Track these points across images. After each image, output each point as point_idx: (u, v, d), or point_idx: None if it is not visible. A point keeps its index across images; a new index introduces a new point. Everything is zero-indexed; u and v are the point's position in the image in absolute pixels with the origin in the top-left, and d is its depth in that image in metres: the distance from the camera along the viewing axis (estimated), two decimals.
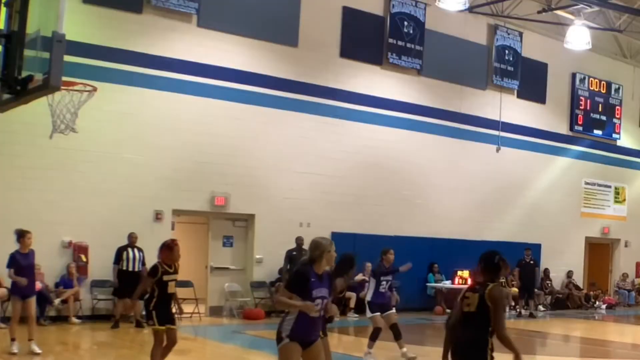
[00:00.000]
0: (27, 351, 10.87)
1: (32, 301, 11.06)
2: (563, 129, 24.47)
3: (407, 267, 12.10)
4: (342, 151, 18.83)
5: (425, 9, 20.30)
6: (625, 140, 26.48)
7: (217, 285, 17.37)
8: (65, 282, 14.93)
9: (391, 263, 12.20)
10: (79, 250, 15.14)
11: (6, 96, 6.58)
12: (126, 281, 14.74)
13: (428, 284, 20.30)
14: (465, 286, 7.80)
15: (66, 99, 11.26)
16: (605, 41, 25.15)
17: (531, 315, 20.49)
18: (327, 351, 8.06)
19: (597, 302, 24.28)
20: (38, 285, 14.17)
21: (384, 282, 11.81)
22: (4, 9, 6.67)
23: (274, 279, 17.38)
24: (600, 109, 25.41)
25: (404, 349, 11.58)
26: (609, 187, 25.99)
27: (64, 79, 6.22)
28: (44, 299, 14.29)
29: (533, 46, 23.12)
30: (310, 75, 18.43)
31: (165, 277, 9.08)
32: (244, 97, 17.27)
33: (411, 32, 20.13)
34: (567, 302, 23.58)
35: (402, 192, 20.07)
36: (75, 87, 11.32)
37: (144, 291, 9.12)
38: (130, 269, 14.92)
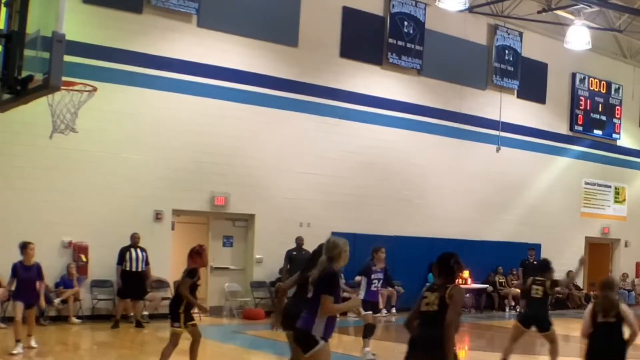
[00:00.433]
0: (35, 351, 10.99)
1: (32, 312, 11.27)
2: (563, 129, 24.47)
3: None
4: (342, 151, 18.83)
5: (425, 9, 20.30)
6: (625, 140, 26.48)
7: (217, 285, 17.38)
8: (65, 282, 14.93)
9: (382, 262, 12.25)
10: (79, 250, 15.14)
11: (6, 96, 6.58)
12: (129, 281, 14.77)
13: (428, 284, 20.27)
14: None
15: (66, 99, 11.27)
16: (605, 41, 25.14)
17: None
18: None
19: None
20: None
21: (376, 281, 11.85)
22: (4, 9, 6.66)
23: (274, 279, 17.38)
24: (600, 109, 25.41)
25: (367, 348, 11.59)
26: (609, 187, 25.99)
27: (64, 79, 6.22)
28: (44, 299, 14.27)
29: (533, 46, 23.12)
30: (310, 75, 18.43)
31: (198, 282, 9.42)
32: (244, 97, 17.27)
33: (411, 32, 20.14)
34: (567, 302, 23.58)
35: (402, 192, 20.07)
36: (75, 87, 11.33)
37: (185, 295, 9.26)
38: (134, 269, 14.92)
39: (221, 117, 16.91)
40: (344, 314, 17.42)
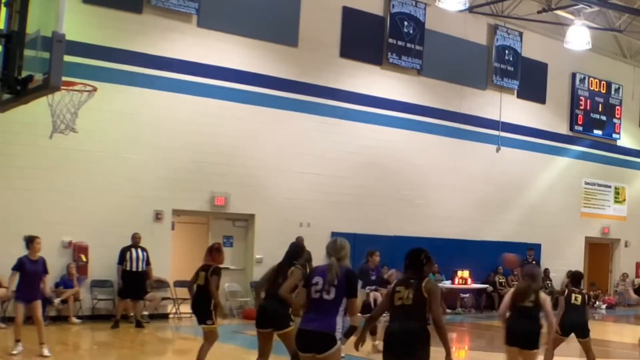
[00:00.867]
0: (37, 353, 10.88)
1: (37, 304, 11.05)
2: (563, 129, 24.47)
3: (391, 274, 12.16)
4: (342, 151, 18.83)
5: (425, 9, 20.30)
6: (625, 140, 26.48)
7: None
8: (65, 282, 14.93)
9: (377, 265, 12.24)
10: (79, 250, 15.14)
11: (6, 96, 6.58)
12: (130, 281, 14.77)
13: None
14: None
15: (66, 99, 11.27)
16: (605, 41, 25.15)
17: None
18: None
19: (597, 302, 24.27)
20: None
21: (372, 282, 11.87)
22: (4, 9, 6.66)
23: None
24: (600, 109, 25.41)
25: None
26: (609, 187, 25.99)
27: (64, 79, 6.22)
28: (44, 299, 14.26)
29: (533, 46, 23.12)
30: (310, 75, 18.43)
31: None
32: (244, 97, 17.26)
33: (411, 32, 20.13)
34: None
35: (402, 192, 20.07)
36: (75, 87, 11.33)
37: (215, 294, 9.47)
38: (134, 269, 14.92)
39: (221, 117, 16.91)
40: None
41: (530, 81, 23.00)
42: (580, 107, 24.81)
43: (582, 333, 10.19)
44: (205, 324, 9.43)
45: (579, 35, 21.51)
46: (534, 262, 20.87)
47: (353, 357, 11.93)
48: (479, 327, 18.16)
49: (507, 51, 22.43)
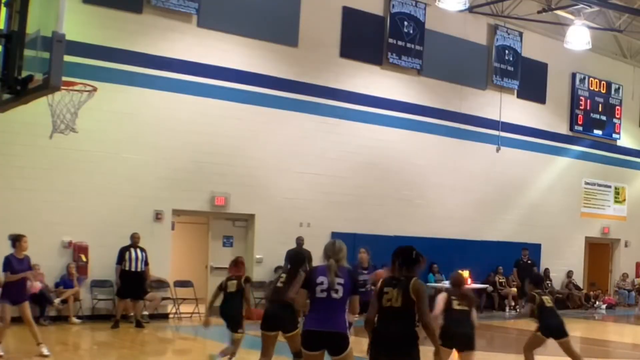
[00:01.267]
0: (36, 353, 10.79)
1: (26, 306, 10.86)
2: (563, 129, 24.46)
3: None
4: (342, 151, 18.83)
5: (425, 9, 20.30)
6: (625, 140, 26.47)
7: (216, 285, 17.29)
8: (65, 282, 14.93)
9: (366, 262, 12.30)
10: (79, 250, 15.14)
11: (6, 96, 6.58)
12: (129, 281, 14.77)
13: (428, 284, 20.28)
14: None
15: (66, 99, 11.26)
16: (605, 41, 25.14)
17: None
18: None
19: (597, 302, 24.27)
20: (38, 285, 14.20)
21: (362, 282, 11.89)
22: (4, 9, 6.67)
23: (274, 278, 17.37)
24: (600, 109, 25.40)
25: None
26: (609, 187, 25.99)
27: (64, 79, 6.22)
28: (44, 299, 14.30)
29: (533, 46, 23.11)
30: (310, 75, 18.43)
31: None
32: (244, 97, 17.26)
33: (411, 32, 20.13)
34: (567, 302, 23.57)
35: (402, 192, 20.07)
36: (75, 87, 11.32)
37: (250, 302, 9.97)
38: (133, 269, 14.91)
39: (221, 117, 16.91)
40: None
41: (530, 81, 23.00)
42: (580, 107, 24.81)
43: (562, 333, 10.13)
44: (236, 332, 9.84)
45: (579, 35, 21.50)
46: (529, 262, 20.88)
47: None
48: (479, 327, 18.01)
49: (507, 51, 22.43)
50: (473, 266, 20.58)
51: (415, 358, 6.15)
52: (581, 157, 24.84)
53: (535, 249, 22.34)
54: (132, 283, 14.78)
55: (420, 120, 20.51)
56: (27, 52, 6.35)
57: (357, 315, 7.49)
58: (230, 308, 9.88)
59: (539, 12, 21.39)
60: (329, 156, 18.58)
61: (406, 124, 20.19)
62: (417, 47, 20.24)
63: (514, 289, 21.06)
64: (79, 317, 14.94)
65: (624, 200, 26.54)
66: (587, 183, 25.20)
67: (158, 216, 16.13)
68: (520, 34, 22.71)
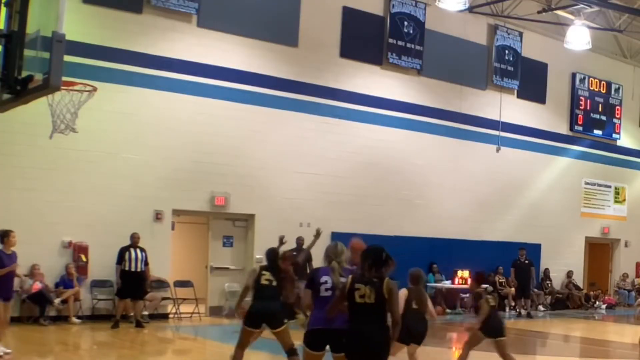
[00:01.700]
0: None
1: (9, 305, 10.72)
2: (563, 129, 24.46)
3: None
4: (342, 151, 18.83)
5: (425, 9, 20.30)
6: (625, 140, 26.47)
7: (217, 285, 17.37)
8: (65, 282, 14.92)
9: (350, 261, 12.32)
10: (79, 250, 15.14)
11: (6, 96, 6.58)
12: (129, 281, 14.76)
13: (428, 284, 20.25)
14: None
15: (66, 99, 11.26)
16: (605, 41, 25.14)
17: (529, 315, 20.48)
18: None
19: (597, 302, 24.28)
20: (37, 285, 14.22)
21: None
22: (4, 9, 6.67)
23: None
24: (600, 109, 25.40)
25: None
26: (609, 187, 25.99)
27: (64, 79, 6.22)
28: (44, 299, 14.30)
29: (533, 46, 23.11)
30: (310, 75, 18.43)
31: None
32: (244, 97, 17.26)
33: (411, 32, 20.13)
34: (567, 302, 23.58)
35: (402, 192, 20.07)
36: (75, 87, 11.32)
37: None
38: (133, 269, 14.90)
39: (221, 117, 16.91)
40: None
41: (530, 81, 23.00)
42: (580, 107, 24.81)
43: (500, 333, 10.10)
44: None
45: (579, 35, 21.50)
46: (526, 262, 20.87)
47: None
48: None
49: (507, 51, 22.43)
50: (473, 266, 20.57)
51: (387, 356, 6.33)
52: (581, 157, 24.84)
53: (535, 249, 22.34)
54: (132, 283, 14.77)
55: (420, 120, 20.51)
56: (27, 52, 6.35)
57: None
58: (279, 306, 9.85)
59: (539, 12, 21.39)
60: (328, 156, 18.58)
61: (406, 124, 20.19)
62: (417, 47, 20.24)
63: (513, 289, 21.05)
64: (79, 317, 14.94)
65: (624, 200, 26.54)
66: (587, 183, 25.20)
67: (158, 216, 16.13)
68: (520, 34, 22.71)
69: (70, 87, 11.08)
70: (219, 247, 17.64)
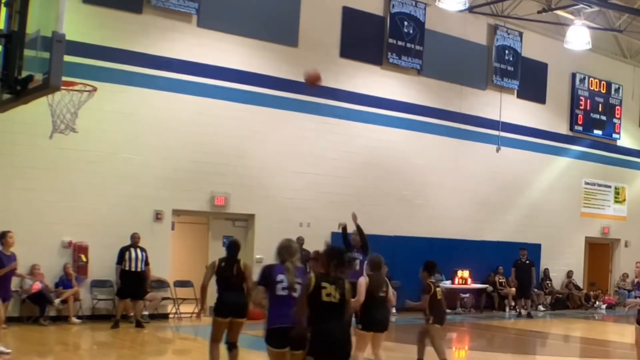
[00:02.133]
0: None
1: (6, 306, 10.70)
2: (563, 129, 24.46)
3: None
4: (342, 151, 18.82)
5: (425, 9, 20.30)
6: (625, 140, 26.47)
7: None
8: (64, 282, 14.92)
9: (358, 244, 12.69)
10: (79, 250, 15.13)
11: (6, 96, 6.58)
12: (129, 281, 14.75)
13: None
14: None
15: (66, 99, 11.27)
16: (605, 41, 25.14)
17: (529, 315, 20.48)
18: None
19: (597, 302, 24.27)
20: (37, 285, 14.22)
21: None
22: (4, 9, 6.67)
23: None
24: (600, 109, 25.40)
25: None
26: (609, 187, 25.99)
27: (64, 79, 6.23)
28: (44, 299, 14.30)
29: (533, 46, 23.11)
30: None
31: None
32: (244, 97, 17.26)
33: (411, 32, 20.13)
34: (567, 302, 23.59)
35: (402, 192, 20.07)
36: (75, 87, 11.33)
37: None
38: (133, 269, 14.89)
39: (221, 117, 16.91)
40: None
41: (530, 81, 23.00)
42: (580, 107, 24.81)
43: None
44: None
45: (579, 35, 21.51)
46: (527, 262, 20.86)
47: None
48: (479, 327, 18.17)
49: (507, 51, 22.43)
50: (473, 266, 20.62)
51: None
52: (581, 157, 24.83)
53: (535, 249, 22.33)
54: (132, 283, 14.77)
55: (420, 120, 20.51)
56: (27, 52, 6.35)
57: None
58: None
59: (539, 12, 21.39)
60: (328, 156, 18.58)
61: (406, 124, 20.19)
62: (417, 47, 20.24)
63: (514, 289, 21.06)
64: (79, 317, 14.94)
65: (624, 200, 26.54)
66: (587, 183, 25.20)
67: (158, 216, 16.13)
68: (520, 34, 22.71)
69: (70, 87, 11.09)
70: (219, 247, 17.57)
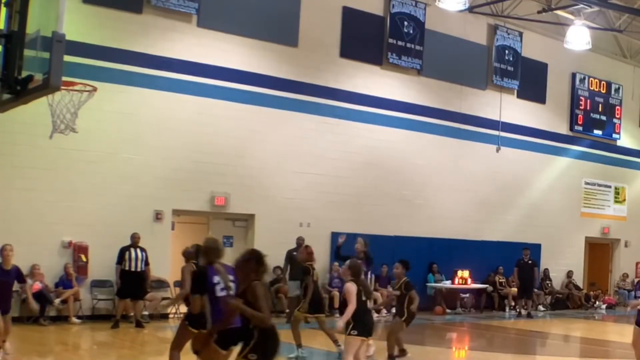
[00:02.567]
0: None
1: (8, 318, 10.46)
2: (563, 129, 24.47)
3: None
4: (342, 151, 18.83)
5: (425, 9, 20.30)
6: (625, 140, 26.47)
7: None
8: (64, 282, 14.92)
9: (360, 252, 12.77)
10: (79, 250, 15.14)
11: (6, 96, 6.57)
12: (129, 281, 14.76)
13: (428, 284, 20.29)
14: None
15: (66, 99, 11.25)
16: (605, 41, 25.14)
17: (529, 315, 20.48)
18: None
19: (597, 302, 24.28)
20: (37, 285, 14.21)
21: None
22: (4, 9, 6.66)
23: (272, 278, 17.37)
24: (600, 109, 25.40)
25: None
26: (609, 187, 25.99)
27: (64, 79, 6.21)
28: (44, 299, 14.29)
29: (533, 46, 23.11)
30: (310, 75, 18.43)
31: None
32: (244, 97, 17.26)
33: (411, 32, 20.13)
34: (567, 302, 23.59)
35: (402, 192, 20.07)
36: (75, 87, 11.31)
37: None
38: (133, 269, 14.91)
39: (221, 117, 16.91)
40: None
41: (530, 81, 23.00)
42: (580, 107, 24.81)
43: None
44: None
45: (579, 35, 21.50)
46: (529, 262, 20.87)
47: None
48: (479, 327, 18.17)
49: (507, 51, 22.43)
50: (473, 266, 20.62)
51: None
52: (581, 157, 24.84)
53: (536, 248, 22.32)
54: (132, 283, 14.78)
55: (420, 120, 20.51)
56: (27, 52, 6.34)
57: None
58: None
59: (539, 12, 21.39)
60: (328, 156, 18.58)
61: (406, 124, 20.19)
62: (417, 47, 20.25)
63: (514, 289, 21.06)
64: (79, 317, 14.94)
65: (624, 200, 26.55)
66: (587, 183, 25.21)
67: (158, 216, 16.14)
68: (520, 34, 22.71)
69: (70, 87, 11.07)
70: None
